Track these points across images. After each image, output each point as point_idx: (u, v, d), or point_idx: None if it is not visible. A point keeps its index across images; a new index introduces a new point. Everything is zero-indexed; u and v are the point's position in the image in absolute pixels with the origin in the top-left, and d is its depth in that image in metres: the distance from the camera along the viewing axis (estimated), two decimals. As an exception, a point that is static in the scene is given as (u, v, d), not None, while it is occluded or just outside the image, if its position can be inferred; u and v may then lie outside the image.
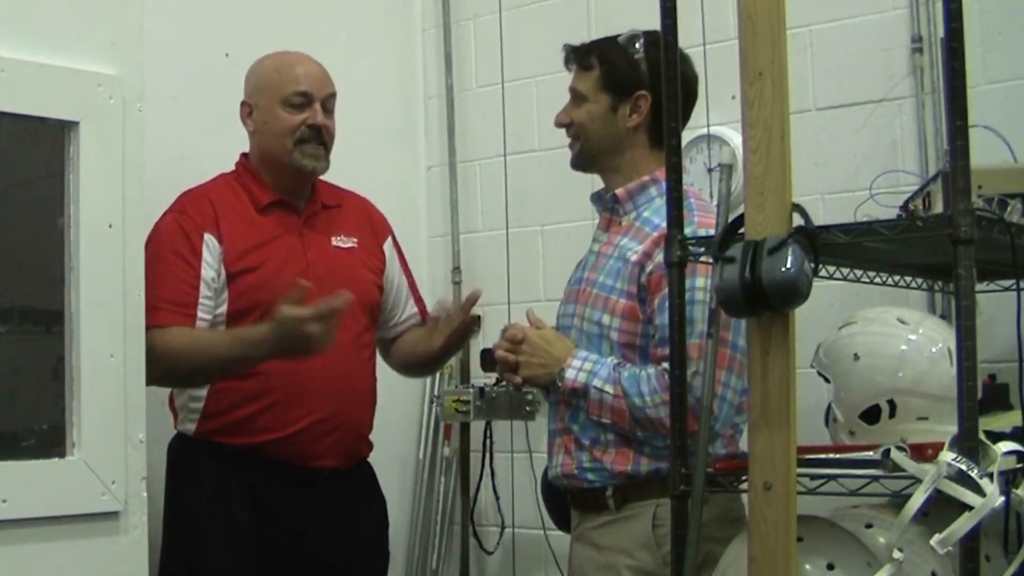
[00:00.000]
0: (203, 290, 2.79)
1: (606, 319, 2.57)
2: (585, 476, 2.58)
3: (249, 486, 2.79)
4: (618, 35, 2.67)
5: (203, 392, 2.82)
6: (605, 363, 2.54)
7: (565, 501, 2.72)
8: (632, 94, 2.61)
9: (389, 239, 3.13)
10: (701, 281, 2.46)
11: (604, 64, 2.63)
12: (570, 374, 2.55)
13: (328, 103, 2.93)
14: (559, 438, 2.64)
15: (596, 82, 2.64)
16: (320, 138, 2.90)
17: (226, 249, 2.82)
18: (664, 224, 2.40)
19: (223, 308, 2.82)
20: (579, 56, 2.67)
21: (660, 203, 2.57)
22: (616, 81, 2.62)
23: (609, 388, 2.51)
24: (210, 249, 2.81)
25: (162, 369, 2.64)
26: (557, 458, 2.64)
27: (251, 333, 2.74)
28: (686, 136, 2.60)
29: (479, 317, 3.88)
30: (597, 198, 2.75)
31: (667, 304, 2.31)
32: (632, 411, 2.49)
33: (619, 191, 2.64)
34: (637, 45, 2.62)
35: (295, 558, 2.82)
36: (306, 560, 2.83)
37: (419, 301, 3.16)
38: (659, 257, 2.47)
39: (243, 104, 2.95)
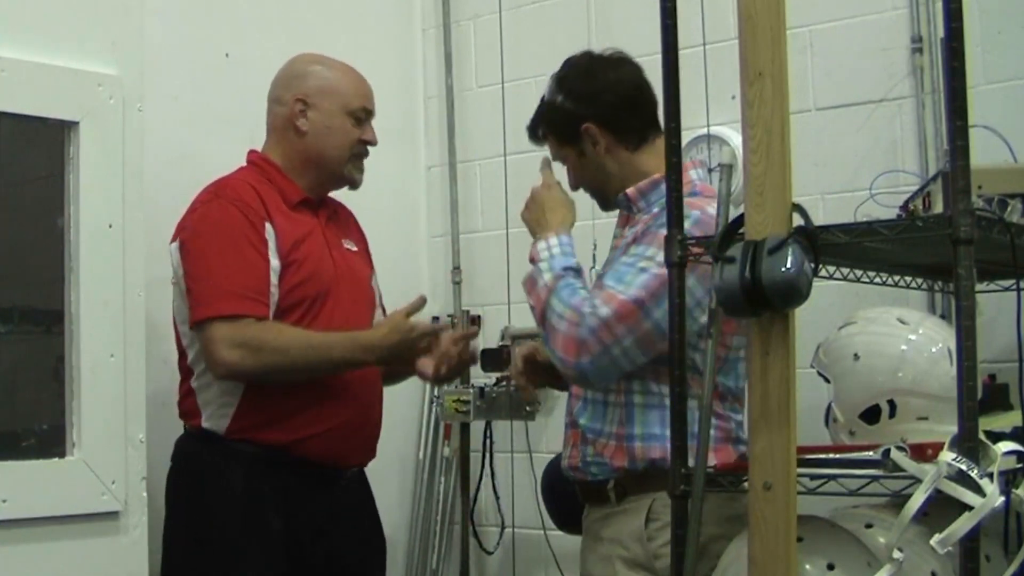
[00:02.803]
0: (272, 279, 2.75)
1: None
2: (589, 469, 2.60)
3: (280, 488, 2.75)
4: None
5: (239, 387, 2.74)
6: (571, 260, 2.58)
7: (565, 501, 2.74)
8: (579, 133, 2.65)
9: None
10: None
11: (546, 127, 2.71)
12: (540, 245, 2.62)
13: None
14: (569, 431, 2.67)
15: (554, 145, 2.71)
16: (366, 155, 2.95)
17: (279, 240, 2.78)
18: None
19: (275, 299, 2.76)
20: (532, 135, 2.76)
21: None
22: (562, 134, 2.68)
23: (548, 276, 2.55)
24: (271, 239, 2.77)
25: (263, 360, 2.66)
26: (566, 450, 2.67)
27: (368, 337, 2.77)
28: (686, 136, 2.60)
29: (479, 317, 3.90)
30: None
31: (623, 250, 2.49)
32: (545, 307, 2.53)
33: (630, 191, 2.67)
34: (556, 88, 2.67)
35: (316, 559, 2.80)
36: (326, 560, 2.82)
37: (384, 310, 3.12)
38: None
39: (297, 100, 2.87)
